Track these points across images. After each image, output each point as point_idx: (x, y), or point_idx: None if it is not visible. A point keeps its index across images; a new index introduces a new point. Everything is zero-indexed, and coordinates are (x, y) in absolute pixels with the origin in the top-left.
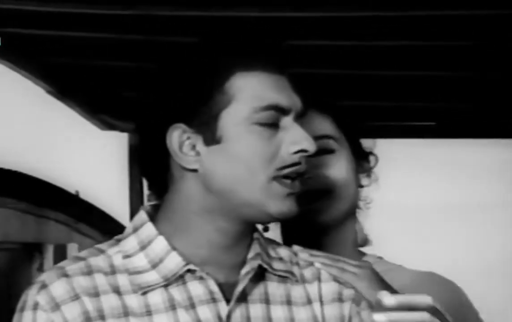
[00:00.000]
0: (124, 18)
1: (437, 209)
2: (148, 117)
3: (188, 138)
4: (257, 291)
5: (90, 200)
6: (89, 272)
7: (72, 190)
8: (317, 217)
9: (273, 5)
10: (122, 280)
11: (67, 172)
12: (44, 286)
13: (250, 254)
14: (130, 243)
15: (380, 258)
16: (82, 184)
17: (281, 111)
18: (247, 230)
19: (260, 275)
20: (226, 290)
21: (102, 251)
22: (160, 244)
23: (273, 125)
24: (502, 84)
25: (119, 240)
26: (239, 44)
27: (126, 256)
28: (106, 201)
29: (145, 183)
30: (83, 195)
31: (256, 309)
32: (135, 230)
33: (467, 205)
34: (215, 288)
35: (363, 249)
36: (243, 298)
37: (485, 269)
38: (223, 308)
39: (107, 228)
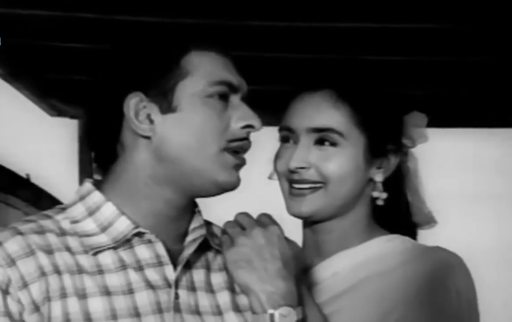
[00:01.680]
0: None
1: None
2: (107, 84)
3: (144, 107)
4: (199, 259)
5: (40, 184)
6: (41, 231)
7: (22, 173)
8: (304, 208)
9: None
10: (72, 242)
11: (18, 156)
12: None
13: (194, 224)
14: (77, 209)
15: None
16: (33, 168)
17: (232, 88)
18: (191, 204)
19: (200, 245)
20: (171, 256)
21: (49, 216)
22: (109, 209)
23: (224, 101)
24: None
25: (63, 209)
26: (195, 27)
27: (74, 221)
28: (56, 186)
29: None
30: (33, 180)
31: (199, 275)
32: (82, 198)
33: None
34: (162, 252)
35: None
36: (187, 264)
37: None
38: (170, 271)
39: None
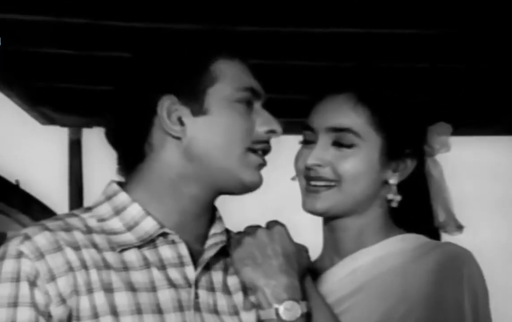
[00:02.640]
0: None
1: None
2: (140, 87)
3: (176, 109)
4: (217, 261)
5: (30, 191)
6: (68, 229)
7: (12, 179)
8: (318, 204)
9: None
10: (99, 239)
11: (8, 162)
12: (27, 237)
13: (216, 230)
14: (104, 208)
15: None
16: (23, 175)
17: (255, 94)
18: (213, 202)
19: (220, 249)
20: (192, 256)
21: (75, 215)
22: (136, 209)
23: (249, 106)
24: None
25: (89, 208)
26: (221, 37)
27: (101, 220)
28: (46, 193)
29: (84, 177)
30: (23, 186)
31: (217, 276)
32: (108, 198)
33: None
34: (185, 252)
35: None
36: (206, 265)
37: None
38: (190, 271)
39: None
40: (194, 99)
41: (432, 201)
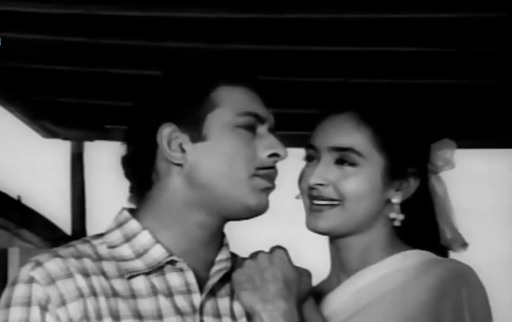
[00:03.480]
0: (65, 18)
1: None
2: (141, 116)
3: (177, 137)
4: (223, 287)
5: (32, 206)
6: (79, 256)
7: (14, 195)
8: (320, 223)
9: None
10: (108, 266)
11: (9, 177)
12: (39, 263)
13: (221, 256)
14: (114, 235)
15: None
16: (24, 190)
17: (259, 119)
18: (221, 229)
19: (225, 274)
20: (199, 283)
21: (87, 241)
22: (145, 237)
23: (252, 131)
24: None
25: (101, 235)
26: (224, 63)
27: (112, 246)
28: (47, 208)
29: (87, 191)
30: (25, 201)
31: (224, 302)
32: (119, 225)
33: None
34: (192, 280)
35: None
36: (212, 292)
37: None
38: (197, 298)
39: (48, 234)
40: (193, 126)
41: (437, 218)
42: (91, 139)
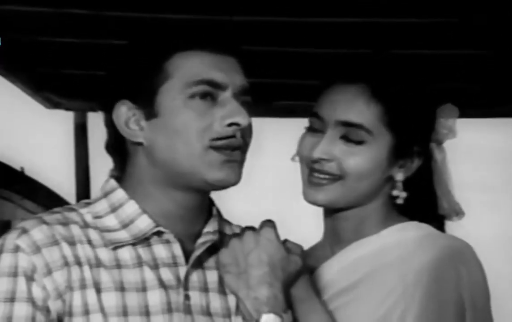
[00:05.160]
0: None
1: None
2: (100, 94)
3: (134, 114)
4: (212, 260)
5: (36, 177)
6: (65, 222)
7: (17, 166)
8: (320, 196)
9: None
10: (94, 235)
11: (12, 148)
12: (24, 231)
13: (209, 228)
14: (100, 205)
15: None
16: (28, 161)
17: (216, 86)
18: (201, 202)
19: (215, 247)
20: (187, 257)
21: (73, 209)
22: (132, 207)
23: (208, 100)
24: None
25: (88, 203)
26: (179, 27)
27: (97, 217)
28: (52, 179)
29: (91, 161)
30: (28, 172)
31: (212, 276)
32: (106, 194)
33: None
34: (178, 252)
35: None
36: (200, 265)
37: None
38: (183, 271)
39: (52, 205)
40: (147, 101)
41: (435, 187)
42: (94, 110)
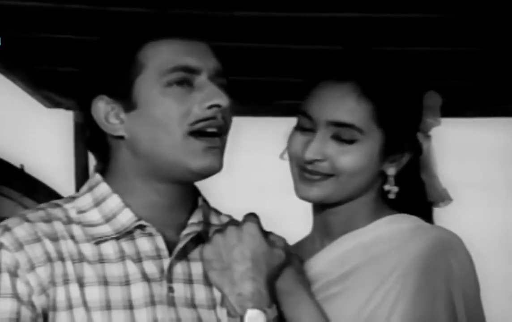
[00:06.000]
0: None
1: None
2: (79, 91)
3: (113, 108)
4: (197, 252)
5: (35, 175)
6: (48, 219)
7: (16, 164)
8: (312, 193)
9: None
10: (77, 230)
11: (12, 146)
12: (7, 228)
13: (193, 219)
14: (85, 200)
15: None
16: (28, 159)
17: (191, 71)
18: (185, 192)
19: (200, 238)
20: (170, 248)
21: (58, 205)
22: (114, 201)
23: (186, 86)
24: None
25: (74, 198)
26: (148, 17)
27: (80, 212)
28: (51, 177)
29: (91, 159)
30: (28, 170)
31: (197, 267)
32: (91, 188)
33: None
34: (162, 245)
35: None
36: (185, 256)
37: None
38: (167, 264)
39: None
40: (124, 94)
41: (422, 174)
42: None
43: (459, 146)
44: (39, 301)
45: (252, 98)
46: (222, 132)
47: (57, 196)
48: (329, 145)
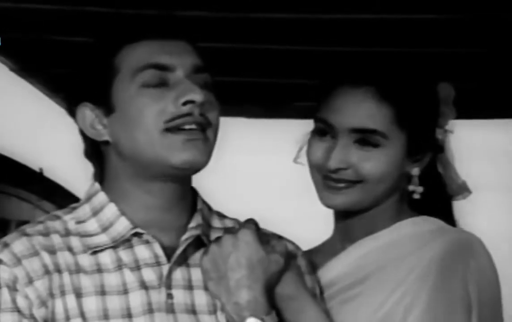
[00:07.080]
0: None
1: None
2: (65, 102)
3: (96, 114)
4: (198, 257)
5: (54, 178)
6: (46, 233)
7: (35, 167)
8: (338, 201)
9: None
10: (75, 242)
11: (31, 149)
12: (6, 245)
13: (192, 223)
14: (83, 210)
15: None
16: (46, 162)
17: (163, 68)
18: (181, 192)
19: (201, 242)
20: (170, 253)
21: (58, 217)
22: (111, 209)
23: (160, 84)
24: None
25: (74, 208)
26: (124, 22)
27: (79, 222)
28: (70, 180)
29: None
30: (47, 173)
31: (197, 273)
32: (89, 198)
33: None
34: (160, 252)
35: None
36: (184, 261)
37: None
38: (166, 270)
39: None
40: (103, 99)
41: (441, 170)
42: None
43: (475, 148)
44: (39, 313)
45: (269, 101)
46: (203, 128)
47: (76, 199)
48: (352, 152)
